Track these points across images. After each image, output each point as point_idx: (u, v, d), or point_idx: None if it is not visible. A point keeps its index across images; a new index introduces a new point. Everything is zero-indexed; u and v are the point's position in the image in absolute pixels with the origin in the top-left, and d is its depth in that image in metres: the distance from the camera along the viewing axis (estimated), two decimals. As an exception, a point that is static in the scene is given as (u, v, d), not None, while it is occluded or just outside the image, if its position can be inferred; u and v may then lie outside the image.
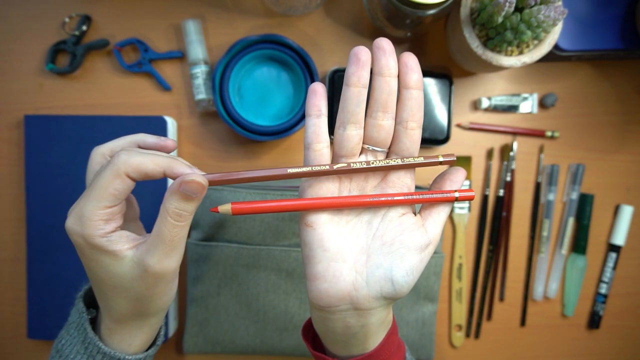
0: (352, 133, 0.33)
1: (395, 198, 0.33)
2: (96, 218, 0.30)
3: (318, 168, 0.33)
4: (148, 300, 0.33)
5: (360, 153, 0.34)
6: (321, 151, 0.33)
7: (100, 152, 0.36)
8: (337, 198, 0.33)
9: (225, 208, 0.32)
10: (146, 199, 0.52)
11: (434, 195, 0.34)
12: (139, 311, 0.34)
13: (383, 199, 0.33)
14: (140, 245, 0.31)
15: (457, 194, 0.34)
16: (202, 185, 0.31)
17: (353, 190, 0.35)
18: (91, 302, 0.38)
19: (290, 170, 0.32)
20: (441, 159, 0.34)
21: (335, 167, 0.32)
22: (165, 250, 0.31)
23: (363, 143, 0.34)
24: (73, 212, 0.31)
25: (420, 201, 0.34)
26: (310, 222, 0.33)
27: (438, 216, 0.35)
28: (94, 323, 0.36)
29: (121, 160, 0.30)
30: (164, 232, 0.31)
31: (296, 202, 0.32)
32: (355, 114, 0.33)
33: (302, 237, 0.34)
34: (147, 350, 0.37)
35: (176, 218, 0.31)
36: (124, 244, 0.31)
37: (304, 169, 0.32)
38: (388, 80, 0.32)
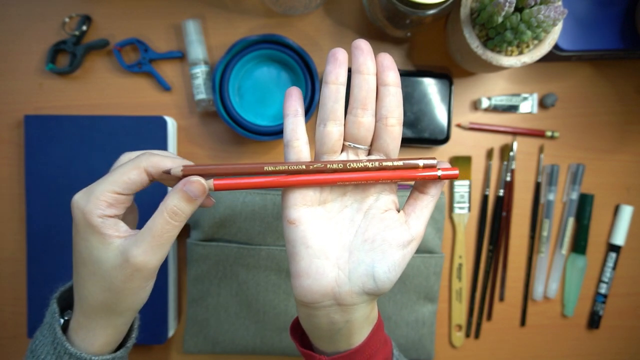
0: (332, 130, 0.34)
1: (374, 174, 0.34)
2: (102, 198, 0.32)
3: (295, 167, 0.33)
4: (120, 294, 0.33)
5: (342, 150, 0.35)
6: (299, 147, 0.34)
7: (127, 155, 0.37)
8: (317, 176, 0.33)
9: (208, 184, 0.33)
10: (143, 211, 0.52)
11: (417, 174, 0.34)
12: (108, 305, 0.34)
13: (360, 175, 0.34)
14: (130, 237, 0.33)
15: (440, 172, 0.34)
16: (204, 187, 0.32)
17: (334, 193, 0.35)
18: (67, 305, 0.38)
19: (266, 168, 0.33)
20: (421, 162, 0.34)
21: (311, 167, 0.33)
22: (152, 244, 0.32)
23: (344, 140, 0.35)
24: (85, 188, 0.33)
25: (399, 177, 0.34)
26: (293, 220, 0.34)
27: (421, 212, 0.35)
28: (68, 323, 0.37)
29: (144, 157, 0.33)
30: (156, 226, 0.32)
31: (275, 179, 0.33)
32: (334, 111, 0.34)
33: (285, 235, 0.34)
34: (115, 351, 0.37)
35: (172, 215, 0.32)
36: (115, 231, 0.32)
37: (280, 167, 0.33)
38: (366, 78, 0.33)
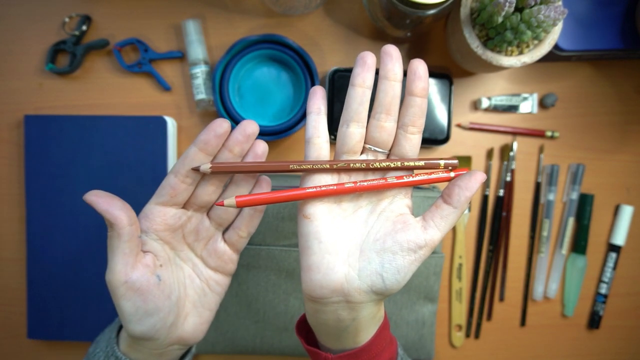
0: (354, 131, 0.34)
1: (390, 182, 0.34)
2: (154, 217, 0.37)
3: (319, 166, 0.34)
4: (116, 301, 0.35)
5: (362, 152, 0.36)
6: (320, 145, 0.35)
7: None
8: (335, 186, 0.34)
9: (230, 202, 0.33)
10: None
11: (428, 177, 0.34)
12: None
13: (375, 182, 0.34)
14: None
15: (452, 174, 0.35)
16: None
17: (350, 194, 0.35)
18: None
19: (292, 166, 0.34)
20: (442, 162, 0.34)
21: (335, 166, 0.34)
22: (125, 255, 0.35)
23: (365, 142, 0.35)
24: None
25: (412, 183, 0.34)
26: (308, 214, 0.34)
27: (440, 221, 0.34)
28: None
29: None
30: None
31: (297, 192, 0.33)
32: (358, 113, 0.34)
33: (299, 228, 0.35)
34: None
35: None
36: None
37: (305, 166, 0.34)
38: (393, 85, 0.34)
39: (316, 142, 0.35)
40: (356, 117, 0.34)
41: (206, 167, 0.34)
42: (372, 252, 0.34)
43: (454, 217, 0.34)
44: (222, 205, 0.33)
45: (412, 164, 0.35)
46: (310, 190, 0.33)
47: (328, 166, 0.34)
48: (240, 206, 0.33)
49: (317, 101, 0.35)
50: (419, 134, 0.35)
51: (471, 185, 0.34)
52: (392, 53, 0.33)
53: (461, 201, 0.34)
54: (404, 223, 0.34)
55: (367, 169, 0.34)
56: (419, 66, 0.33)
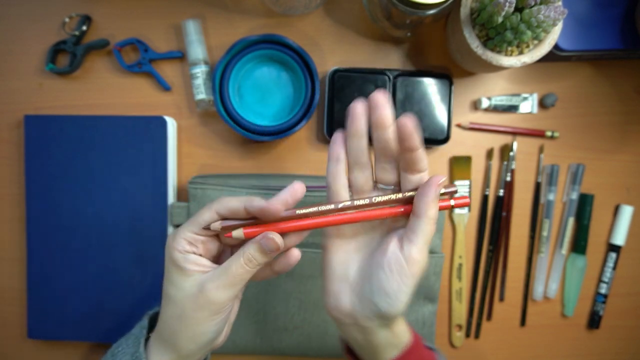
0: (357, 175, 0.37)
1: (371, 212, 0.36)
2: (183, 236, 0.36)
3: (325, 207, 0.36)
4: (187, 321, 0.36)
5: (374, 188, 0.38)
6: (338, 191, 0.37)
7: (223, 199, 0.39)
8: (325, 218, 0.36)
9: (238, 234, 0.36)
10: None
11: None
12: (175, 333, 0.37)
13: (355, 214, 0.36)
14: (209, 272, 0.36)
15: (453, 202, 0.36)
16: (277, 245, 0.35)
17: (364, 227, 0.39)
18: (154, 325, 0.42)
19: (299, 212, 0.36)
20: (442, 190, 0.36)
21: (340, 205, 0.36)
22: (225, 282, 0.36)
23: (375, 181, 0.38)
24: (175, 231, 0.38)
25: (394, 213, 0.36)
26: (324, 246, 0.39)
27: (414, 234, 0.35)
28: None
29: (215, 201, 0.37)
30: (231, 268, 0.36)
31: (301, 222, 0.36)
32: (358, 160, 0.37)
33: (321, 256, 0.39)
34: None
35: (247, 262, 0.36)
36: (194, 265, 0.36)
37: (312, 210, 0.36)
38: (384, 132, 0.35)
39: (334, 189, 0.37)
40: (358, 165, 0.37)
41: (216, 225, 0.36)
42: (365, 280, 0.36)
43: (424, 227, 0.35)
44: (231, 237, 0.36)
45: (412, 193, 0.36)
46: (310, 222, 0.36)
47: (333, 206, 0.36)
48: (248, 237, 0.36)
49: (338, 149, 0.37)
50: (425, 172, 0.36)
51: (426, 190, 0.35)
52: (379, 102, 0.34)
53: (422, 208, 0.34)
54: (385, 246, 0.36)
55: (372, 204, 0.36)
56: (407, 125, 0.34)
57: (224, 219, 0.36)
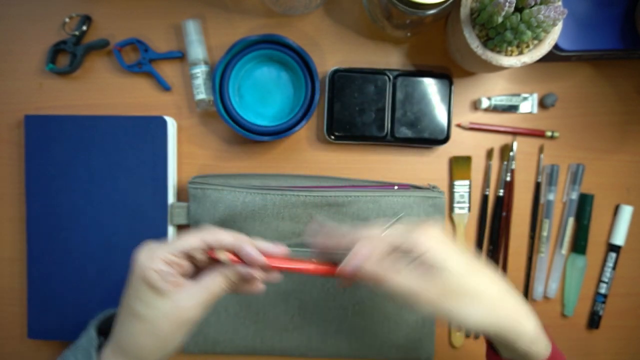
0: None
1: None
2: (161, 257, 0.36)
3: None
4: (163, 339, 0.37)
5: None
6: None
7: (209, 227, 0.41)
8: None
9: (224, 257, 0.38)
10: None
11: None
12: (147, 348, 0.37)
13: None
14: (183, 290, 0.37)
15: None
16: (256, 277, 0.38)
17: None
18: (99, 331, 0.42)
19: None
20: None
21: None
22: (203, 300, 0.37)
23: None
24: (147, 247, 0.37)
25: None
26: None
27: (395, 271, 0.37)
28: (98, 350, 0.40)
29: (205, 231, 0.38)
30: (209, 287, 0.37)
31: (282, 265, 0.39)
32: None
33: None
34: None
35: (225, 282, 0.38)
36: (170, 286, 0.36)
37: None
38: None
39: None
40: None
41: (225, 257, 0.38)
42: None
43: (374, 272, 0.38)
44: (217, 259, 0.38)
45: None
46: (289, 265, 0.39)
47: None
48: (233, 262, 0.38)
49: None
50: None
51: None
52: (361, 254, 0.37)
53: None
54: None
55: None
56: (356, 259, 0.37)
57: (210, 248, 0.38)
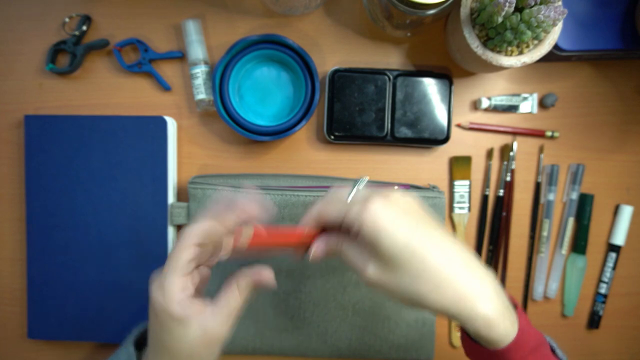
0: None
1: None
2: (174, 289, 0.36)
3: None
4: (195, 358, 0.37)
5: None
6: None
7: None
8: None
9: (247, 232, 0.39)
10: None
11: None
12: None
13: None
14: (207, 312, 0.37)
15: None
16: (269, 278, 0.40)
17: None
18: (136, 345, 0.43)
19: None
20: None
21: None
22: (227, 317, 0.38)
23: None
24: (157, 281, 0.37)
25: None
26: None
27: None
28: None
29: (184, 237, 0.37)
30: (230, 302, 0.38)
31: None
32: None
33: None
34: None
35: (241, 292, 0.39)
36: (193, 312, 0.36)
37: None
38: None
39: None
40: None
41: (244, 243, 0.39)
42: None
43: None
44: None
45: None
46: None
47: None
48: (251, 246, 0.40)
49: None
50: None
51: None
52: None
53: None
54: None
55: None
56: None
57: (201, 245, 0.38)
